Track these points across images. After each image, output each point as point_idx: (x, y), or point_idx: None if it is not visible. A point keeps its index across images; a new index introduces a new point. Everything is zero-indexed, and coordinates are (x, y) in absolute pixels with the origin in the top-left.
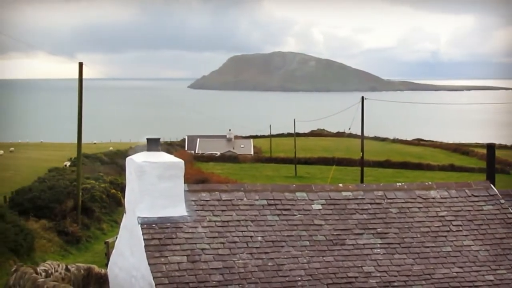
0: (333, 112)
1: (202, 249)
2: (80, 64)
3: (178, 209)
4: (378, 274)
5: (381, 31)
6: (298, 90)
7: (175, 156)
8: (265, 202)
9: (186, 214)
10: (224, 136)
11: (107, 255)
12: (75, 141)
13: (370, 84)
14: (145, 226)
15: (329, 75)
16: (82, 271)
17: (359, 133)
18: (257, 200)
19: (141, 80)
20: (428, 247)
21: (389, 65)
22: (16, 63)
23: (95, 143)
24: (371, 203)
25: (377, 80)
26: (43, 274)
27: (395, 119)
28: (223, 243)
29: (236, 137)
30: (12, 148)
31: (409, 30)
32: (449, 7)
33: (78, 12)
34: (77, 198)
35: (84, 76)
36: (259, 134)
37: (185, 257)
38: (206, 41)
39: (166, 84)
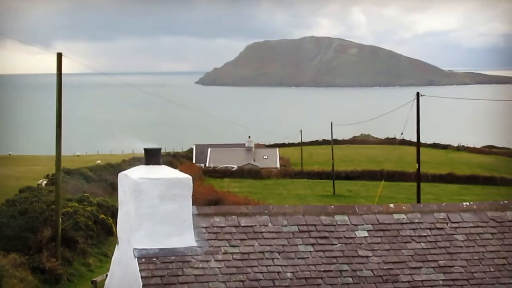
0: (380, 113)
1: None
2: (59, 55)
3: (185, 238)
4: None
5: (439, 8)
6: (336, 86)
7: (180, 170)
8: (295, 228)
9: (195, 244)
10: (243, 145)
11: None
12: (53, 153)
13: (427, 76)
14: (143, 260)
15: (374, 66)
16: None
17: (414, 139)
18: (285, 226)
19: (136, 75)
20: (504, 283)
21: (451, 53)
22: None
23: (78, 156)
24: (430, 228)
25: (435, 71)
26: None
27: (459, 121)
28: (242, 281)
29: (258, 145)
30: None
31: (474, 8)
32: None
33: None
34: (56, 226)
35: (63, 71)
36: (286, 141)
37: None
38: (217, 25)
39: (167, 79)
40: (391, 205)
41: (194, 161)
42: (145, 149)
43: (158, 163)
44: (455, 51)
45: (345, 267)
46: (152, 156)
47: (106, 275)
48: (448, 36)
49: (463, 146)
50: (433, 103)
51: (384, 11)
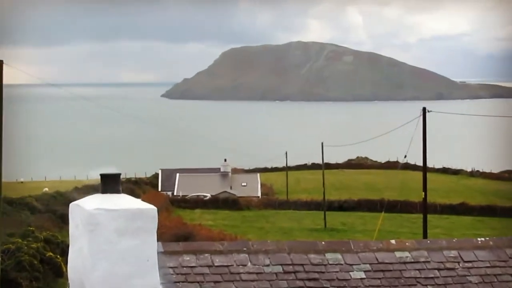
0: (380, 132)
1: None
2: None
3: (148, 280)
4: None
5: (449, 9)
6: (328, 99)
7: (143, 200)
8: (279, 268)
9: (160, 287)
10: (217, 170)
11: None
12: None
13: (434, 88)
14: None
15: (373, 76)
16: None
17: (420, 162)
18: (267, 266)
19: (91, 86)
20: None
21: (462, 60)
22: None
23: (22, 182)
24: (439, 269)
25: (444, 82)
26: None
27: (473, 142)
28: None
29: (235, 170)
30: None
31: (489, 8)
32: None
33: None
34: None
35: (4, 81)
36: (269, 165)
37: None
38: (188, 28)
39: (128, 91)
40: (393, 241)
41: (159, 189)
42: (102, 175)
43: (117, 191)
44: (468, 58)
45: None
46: (109, 183)
47: None
48: (459, 41)
49: (477, 171)
50: (442, 120)
51: (385, 11)
